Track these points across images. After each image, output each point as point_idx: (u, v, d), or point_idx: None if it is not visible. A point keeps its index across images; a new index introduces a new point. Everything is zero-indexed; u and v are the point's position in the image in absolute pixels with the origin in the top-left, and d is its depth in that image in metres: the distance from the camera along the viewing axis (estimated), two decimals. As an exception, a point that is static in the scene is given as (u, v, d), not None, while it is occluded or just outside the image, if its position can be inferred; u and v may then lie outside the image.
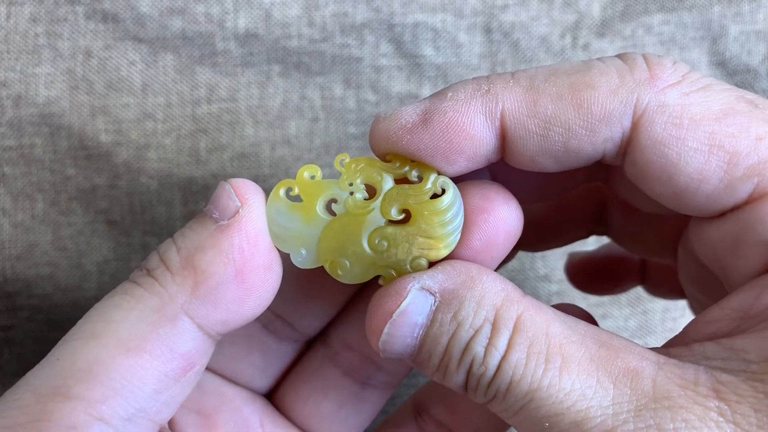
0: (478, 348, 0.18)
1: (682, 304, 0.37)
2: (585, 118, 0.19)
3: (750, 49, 0.35)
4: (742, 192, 0.19)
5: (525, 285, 0.35)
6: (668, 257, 0.26)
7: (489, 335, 0.18)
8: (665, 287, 0.29)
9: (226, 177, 0.33)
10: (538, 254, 0.35)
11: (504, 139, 0.20)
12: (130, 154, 0.33)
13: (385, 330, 0.19)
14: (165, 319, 0.19)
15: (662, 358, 0.18)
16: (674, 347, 0.19)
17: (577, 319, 0.19)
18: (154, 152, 0.33)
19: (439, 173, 0.21)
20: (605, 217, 0.27)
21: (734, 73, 0.35)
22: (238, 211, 0.19)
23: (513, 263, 0.35)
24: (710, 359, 0.18)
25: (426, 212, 0.20)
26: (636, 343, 0.19)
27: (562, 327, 0.18)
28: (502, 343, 0.18)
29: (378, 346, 0.20)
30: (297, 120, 0.34)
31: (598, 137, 0.19)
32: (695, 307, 0.27)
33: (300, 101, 0.34)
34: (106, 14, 0.32)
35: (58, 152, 0.32)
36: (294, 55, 0.33)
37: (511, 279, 0.35)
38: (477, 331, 0.18)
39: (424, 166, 0.20)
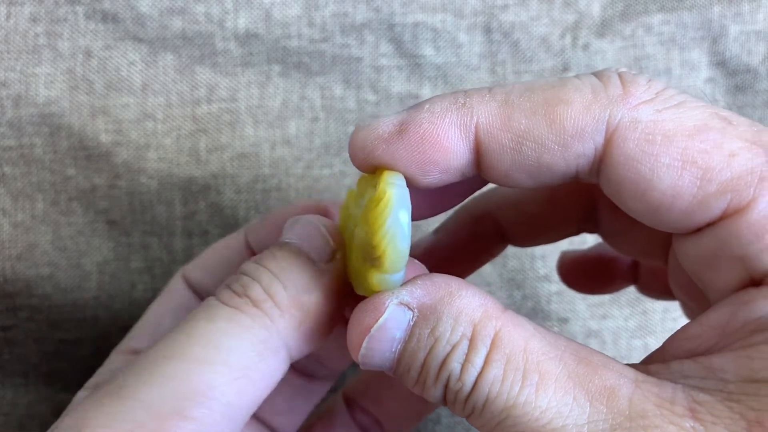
0: (455, 364, 0.18)
1: (682, 304, 0.37)
2: (557, 133, 0.19)
3: (750, 49, 0.35)
4: (716, 208, 0.18)
5: (525, 285, 0.35)
6: (658, 260, 0.26)
7: (466, 351, 0.18)
8: (657, 288, 0.29)
9: (226, 177, 0.33)
10: (538, 254, 0.35)
11: (478, 152, 0.20)
12: (130, 154, 0.33)
13: (364, 344, 0.19)
14: (270, 351, 0.20)
15: (641, 376, 0.18)
16: (653, 364, 0.19)
17: (557, 334, 0.19)
18: (154, 152, 0.33)
19: (389, 178, 0.20)
20: (595, 215, 0.27)
21: (734, 73, 0.35)
22: (335, 256, 0.21)
23: (513, 263, 0.35)
24: (688, 377, 0.18)
25: (364, 219, 0.20)
26: (615, 360, 0.19)
27: (541, 343, 0.18)
28: (479, 360, 0.18)
29: (358, 359, 0.20)
30: (297, 120, 0.34)
31: (571, 153, 0.19)
32: (686, 311, 0.27)
33: (300, 101, 0.34)
34: (106, 14, 0.32)
35: (58, 152, 0.32)
36: (294, 55, 0.33)
37: (511, 279, 0.35)
38: (454, 347, 0.18)
39: (380, 175, 0.20)
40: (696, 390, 0.18)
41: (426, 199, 0.22)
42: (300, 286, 0.21)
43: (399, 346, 0.19)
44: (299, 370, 0.26)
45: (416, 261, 0.22)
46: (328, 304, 0.21)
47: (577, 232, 0.27)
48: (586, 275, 0.31)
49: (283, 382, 0.25)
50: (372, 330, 0.19)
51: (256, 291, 0.20)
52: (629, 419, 0.17)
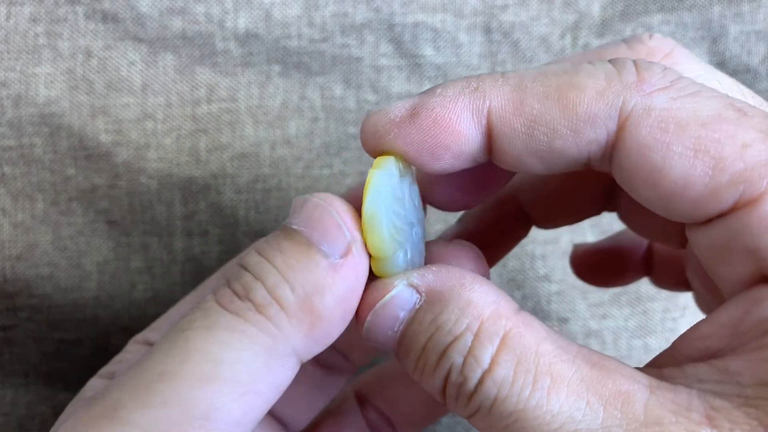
0: (456, 356, 0.18)
1: (683, 303, 0.37)
2: (570, 118, 0.19)
3: (750, 49, 0.35)
4: (728, 199, 0.18)
5: (525, 285, 0.35)
6: (675, 244, 0.25)
7: (469, 345, 0.18)
8: (671, 279, 0.29)
9: (226, 177, 0.33)
10: (538, 254, 0.35)
11: (490, 137, 0.20)
12: (130, 154, 0.33)
13: (368, 318, 0.19)
14: (277, 360, 0.19)
15: (654, 381, 0.18)
16: (666, 368, 0.19)
17: (567, 338, 0.19)
18: (154, 152, 0.33)
19: (377, 162, 0.20)
20: (615, 196, 0.27)
21: (734, 73, 0.35)
22: (350, 249, 0.19)
23: (513, 263, 0.35)
24: (703, 382, 0.18)
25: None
26: (628, 365, 0.18)
27: (553, 346, 0.18)
28: (484, 357, 0.18)
29: (363, 333, 0.20)
30: (297, 120, 0.34)
31: (583, 139, 0.19)
32: (700, 303, 0.27)
33: (300, 101, 0.34)
34: (106, 14, 0.32)
35: (58, 152, 0.32)
36: (294, 55, 0.33)
37: (511, 279, 0.35)
38: (456, 339, 0.18)
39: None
40: (712, 395, 0.17)
41: (458, 192, 0.22)
42: (310, 287, 0.19)
43: (401, 326, 0.19)
44: (320, 361, 0.25)
45: (468, 244, 0.22)
46: (342, 304, 0.19)
47: (598, 212, 0.27)
48: (598, 267, 0.31)
49: (301, 374, 0.25)
50: (377, 305, 0.19)
51: (260, 294, 0.19)
52: (644, 426, 0.17)
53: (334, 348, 0.24)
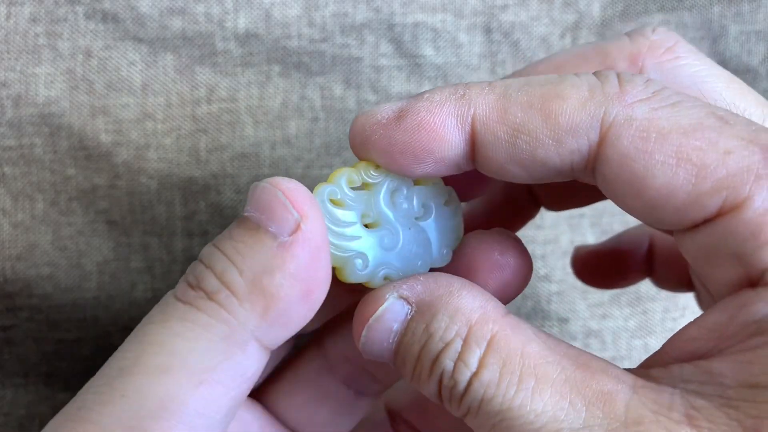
0: (447, 361, 0.19)
1: (683, 304, 0.37)
2: (552, 128, 0.19)
3: (750, 49, 0.35)
4: (711, 206, 0.18)
5: (525, 285, 0.35)
6: None
7: (459, 350, 0.19)
8: (673, 279, 0.29)
9: (226, 177, 0.33)
10: (538, 254, 0.35)
11: (474, 144, 0.20)
12: (130, 154, 0.33)
13: (363, 333, 0.20)
14: (235, 346, 0.19)
15: (639, 381, 0.18)
16: (654, 368, 0.19)
17: (559, 340, 0.19)
18: (154, 152, 0.33)
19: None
20: None
21: (734, 73, 0.35)
22: (299, 226, 0.19)
23: (513, 263, 0.35)
24: (687, 382, 0.18)
25: None
26: (615, 365, 0.19)
27: (539, 347, 0.19)
28: (472, 360, 0.18)
29: (360, 348, 0.20)
30: (297, 120, 0.34)
31: (565, 148, 0.19)
32: (701, 301, 0.27)
33: (300, 101, 0.34)
34: (106, 14, 0.32)
35: (58, 152, 0.32)
36: (294, 55, 0.33)
37: (511, 279, 0.35)
38: (447, 345, 0.19)
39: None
40: (694, 395, 0.18)
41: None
42: (258, 268, 0.19)
43: (396, 338, 0.20)
44: (348, 383, 0.25)
45: (507, 232, 0.22)
46: (298, 282, 0.19)
47: (606, 197, 0.27)
48: (599, 269, 0.31)
49: (329, 396, 0.25)
50: (370, 320, 0.20)
51: (210, 281, 0.19)
52: (625, 425, 0.17)
53: (363, 369, 0.24)
